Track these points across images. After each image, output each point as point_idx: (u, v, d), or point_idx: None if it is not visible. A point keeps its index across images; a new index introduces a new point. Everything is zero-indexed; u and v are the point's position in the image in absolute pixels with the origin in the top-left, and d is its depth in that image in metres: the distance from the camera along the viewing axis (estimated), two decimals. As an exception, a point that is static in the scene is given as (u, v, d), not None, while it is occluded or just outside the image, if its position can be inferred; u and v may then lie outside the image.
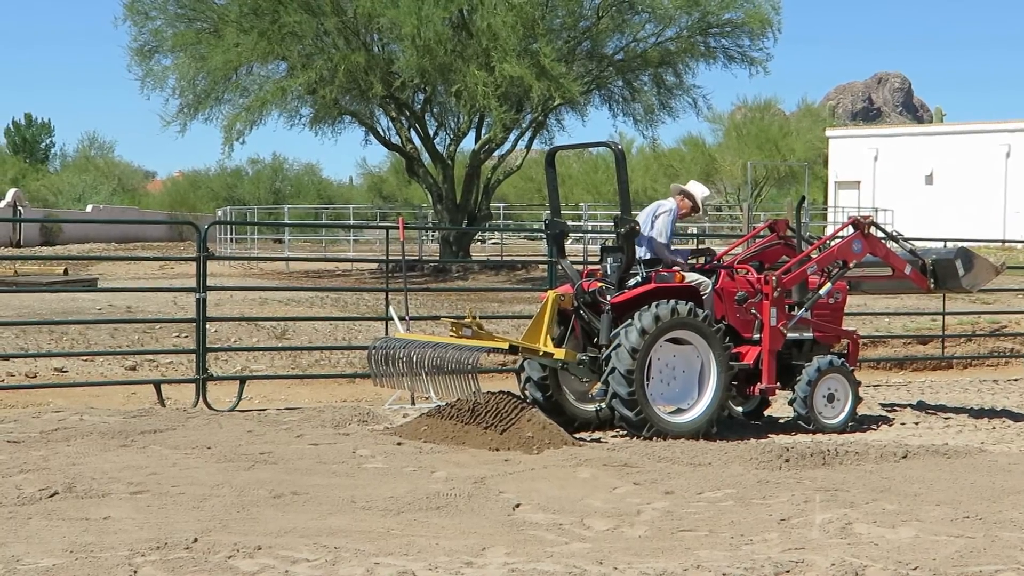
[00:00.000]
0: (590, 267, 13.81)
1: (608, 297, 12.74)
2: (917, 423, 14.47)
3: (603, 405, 12.93)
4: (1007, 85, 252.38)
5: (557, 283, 17.27)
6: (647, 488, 9.37)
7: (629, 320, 12.41)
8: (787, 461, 10.75)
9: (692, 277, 13.19)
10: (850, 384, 13.79)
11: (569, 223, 18.97)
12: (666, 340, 12.58)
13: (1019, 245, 41.57)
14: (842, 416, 13.70)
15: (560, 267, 13.64)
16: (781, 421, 14.27)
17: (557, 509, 8.62)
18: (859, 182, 57.36)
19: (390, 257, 18.65)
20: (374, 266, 35.78)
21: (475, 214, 37.86)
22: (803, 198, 16.84)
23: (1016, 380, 19.61)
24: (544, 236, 18.76)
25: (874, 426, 14.12)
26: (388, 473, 9.87)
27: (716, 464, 10.60)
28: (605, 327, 12.66)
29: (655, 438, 12.16)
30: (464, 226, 37.00)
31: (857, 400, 13.91)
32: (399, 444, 11.31)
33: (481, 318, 21.53)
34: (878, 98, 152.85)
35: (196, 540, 7.39)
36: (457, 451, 11.09)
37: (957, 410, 15.67)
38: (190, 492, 8.90)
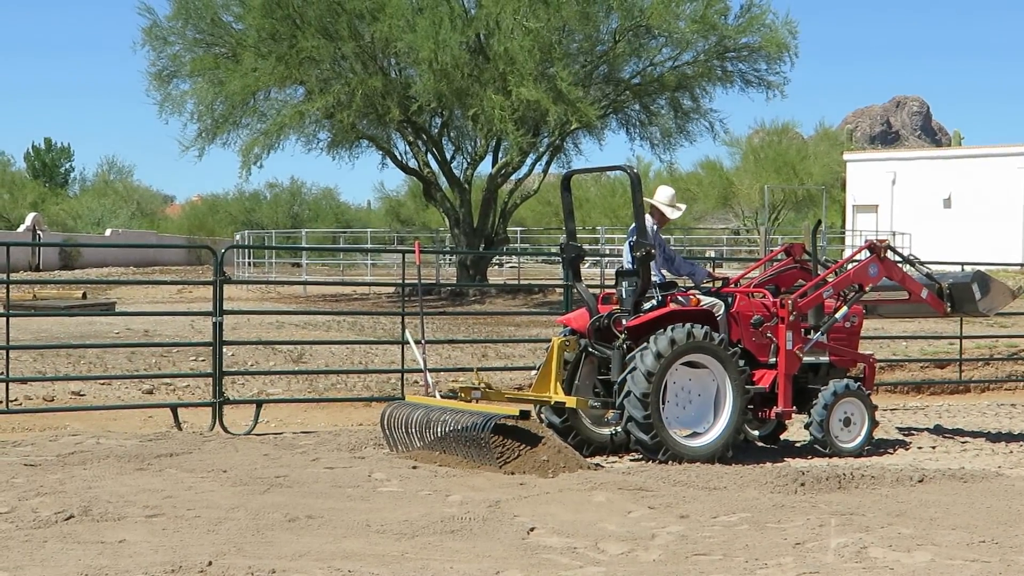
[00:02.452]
0: (606, 291, 13.81)
1: (624, 322, 12.77)
2: (934, 447, 14.43)
3: (618, 429, 12.96)
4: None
5: (573, 307, 17.30)
6: (662, 512, 9.35)
7: (645, 343, 12.42)
8: (802, 485, 10.72)
9: (707, 300, 13.24)
10: (866, 408, 13.74)
11: (586, 247, 18.99)
12: (682, 364, 12.59)
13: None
14: (858, 440, 13.65)
15: (576, 291, 13.65)
16: (797, 445, 14.24)
17: (571, 533, 8.60)
18: (877, 206, 57.28)
19: (407, 281, 18.66)
20: (391, 290, 35.83)
21: (492, 238, 37.91)
22: (819, 221, 16.82)
23: (1034, 404, 19.54)
24: (560, 260, 18.78)
25: (890, 450, 14.09)
26: (403, 497, 9.87)
27: (731, 488, 10.58)
28: (616, 362, 12.70)
29: (670, 462, 12.17)
30: (481, 250, 37.03)
31: (873, 424, 13.86)
32: (414, 468, 11.30)
33: (498, 342, 21.68)
34: (896, 121, 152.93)
35: (211, 563, 7.39)
36: (472, 474, 11.07)
37: (974, 434, 15.61)
38: (205, 515, 8.90)
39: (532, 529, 8.68)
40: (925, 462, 13.08)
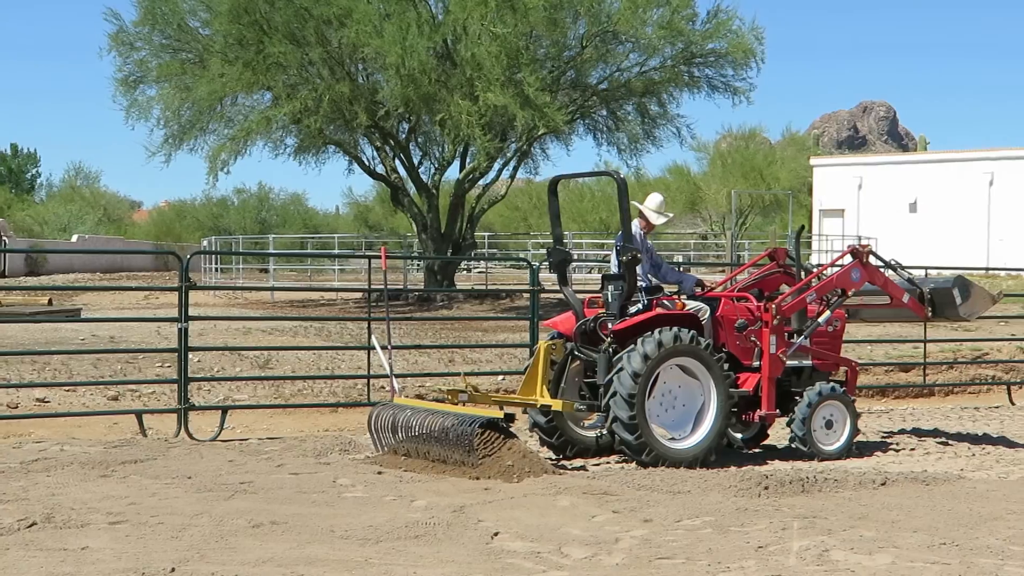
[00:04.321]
0: (591, 296, 13.90)
1: (609, 326, 12.92)
2: (897, 450, 14.52)
3: (604, 431, 13.13)
4: (991, 114, 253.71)
5: (541, 312, 17.34)
6: (626, 516, 9.39)
7: (631, 347, 12.55)
8: (766, 489, 10.77)
9: (692, 304, 13.39)
10: (849, 411, 13.87)
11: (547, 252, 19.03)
12: (667, 367, 12.73)
13: (1002, 273, 41.71)
14: (841, 443, 13.78)
15: (563, 294, 13.73)
16: (780, 448, 14.35)
17: (535, 537, 8.63)
18: (843, 210, 57.54)
19: (374, 286, 18.66)
20: (359, 295, 35.78)
21: (460, 243, 37.88)
22: (802, 227, 16.93)
23: (997, 407, 19.67)
24: (527, 265, 18.83)
25: (854, 453, 14.14)
26: (368, 502, 9.88)
27: (695, 492, 10.62)
28: (602, 365, 12.80)
29: (656, 464, 12.31)
30: (448, 255, 37.02)
31: (856, 427, 13.98)
32: (380, 473, 11.31)
33: (465, 347, 21.68)
34: (863, 126, 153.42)
35: (173, 570, 7.40)
36: (437, 480, 11.09)
37: (937, 437, 15.70)
38: (169, 522, 8.89)
39: (496, 534, 8.70)
40: (888, 465, 13.16)
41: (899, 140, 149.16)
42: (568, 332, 13.31)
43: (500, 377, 19.13)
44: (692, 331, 12.80)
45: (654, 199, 14.13)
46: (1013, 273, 33.96)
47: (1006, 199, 53.24)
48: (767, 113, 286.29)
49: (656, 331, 12.58)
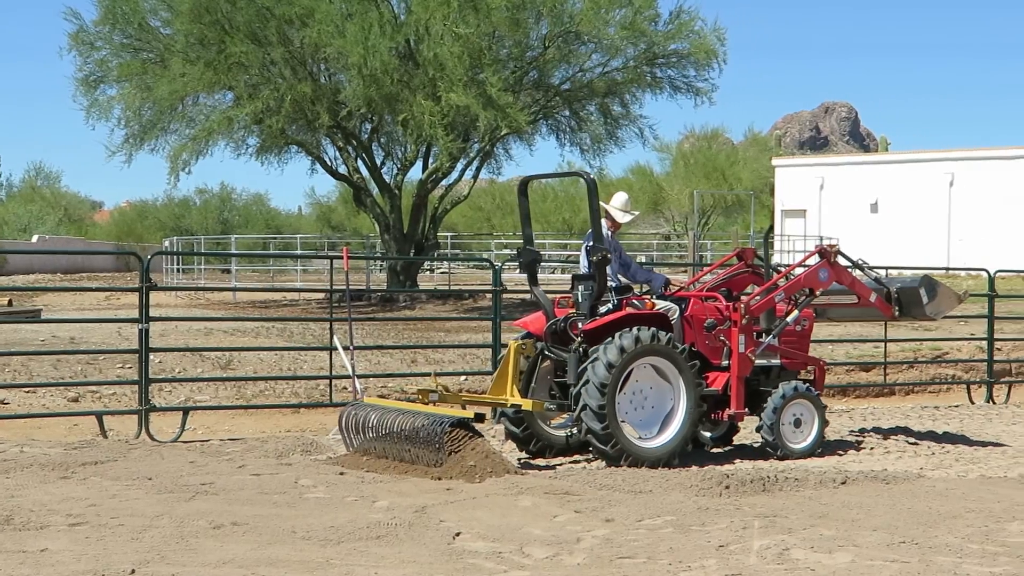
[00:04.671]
0: (561, 296, 13.93)
1: (580, 325, 12.98)
2: (858, 449, 14.57)
3: (574, 430, 13.18)
4: (951, 115, 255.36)
5: (504, 312, 17.35)
6: (587, 516, 9.40)
7: (601, 346, 12.60)
8: (727, 488, 10.80)
9: (662, 304, 13.45)
10: (817, 409, 13.96)
11: (517, 251, 19.06)
12: (637, 366, 12.77)
13: (962, 273, 41.94)
14: (809, 441, 13.87)
15: (534, 294, 13.75)
16: (750, 446, 14.44)
17: (497, 537, 8.63)
18: (805, 210, 57.78)
19: (336, 287, 18.62)
20: (321, 296, 35.70)
21: (423, 243, 37.85)
22: (771, 227, 17.04)
23: (957, 406, 19.78)
24: (490, 265, 18.83)
25: (829, 452, 14.18)
26: (329, 503, 9.85)
27: (657, 491, 10.64)
28: (573, 365, 12.83)
29: (620, 456, 12.40)
30: (411, 255, 36.99)
31: (824, 425, 14.08)
32: (342, 474, 11.29)
33: (427, 347, 21.68)
34: (825, 127, 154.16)
35: (134, 572, 7.36)
36: (399, 480, 11.08)
37: (898, 436, 15.78)
38: (129, 524, 8.85)
39: (458, 534, 8.70)
40: (848, 464, 13.22)
41: (861, 141, 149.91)
42: (538, 332, 13.35)
43: (463, 377, 19.13)
44: (661, 330, 12.85)
45: (619, 198, 14.18)
46: (973, 273, 34.14)
47: (966, 200, 53.58)
48: (729, 114, 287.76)
49: (626, 331, 12.63)
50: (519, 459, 13.50)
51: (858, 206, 56.28)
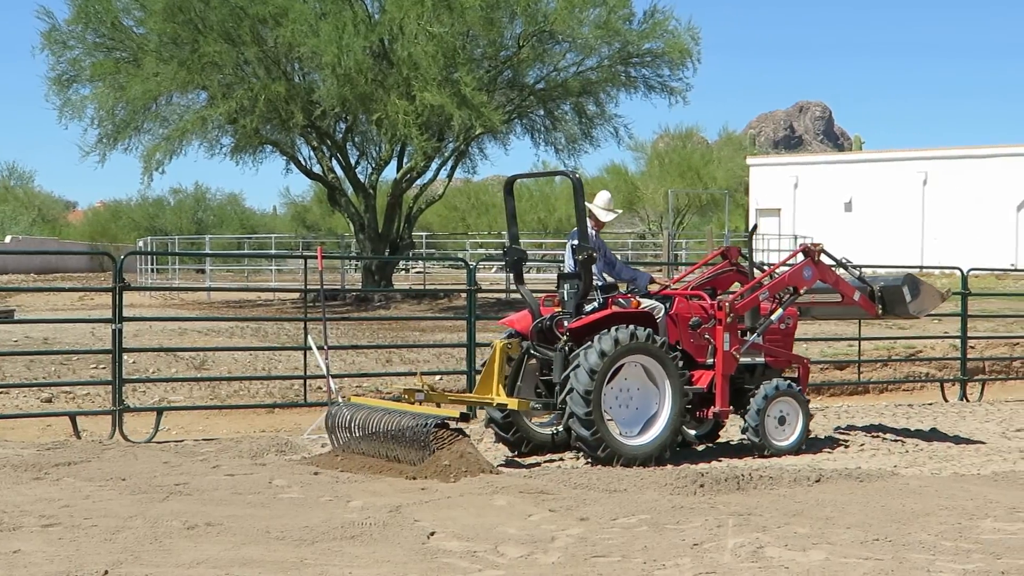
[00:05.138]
0: (547, 294, 13.98)
1: (566, 324, 13.04)
2: (832, 447, 14.61)
3: (559, 428, 13.26)
4: (925, 114, 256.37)
5: (479, 311, 17.34)
6: (562, 515, 9.40)
7: (587, 344, 12.64)
8: (701, 487, 10.82)
9: (647, 303, 13.52)
10: (801, 407, 14.04)
11: (492, 251, 19.05)
12: (623, 364, 12.82)
13: (936, 271, 42.11)
14: (793, 438, 13.97)
15: (520, 293, 13.79)
16: (734, 444, 14.52)
17: (472, 537, 8.62)
18: (780, 209, 57.94)
19: (310, 286, 18.58)
20: (296, 295, 35.63)
21: (397, 243, 37.81)
22: (755, 226, 17.07)
23: (931, 404, 19.84)
24: (465, 265, 18.83)
25: (803, 450, 14.22)
26: (304, 503, 9.84)
27: (631, 490, 10.65)
28: (558, 363, 12.88)
29: (611, 460, 12.45)
30: (386, 255, 36.93)
31: (808, 424, 14.17)
32: (316, 474, 11.27)
33: (402, 347, 21.65)
34: (799, 126, 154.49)
35: (107, 573, 7.34)
36: (374, 480, 11.07)
37: (871, 434, 15.82)
38: (103, 524, 8.82)
39: (432, 534, 8.70)
40: (822, 462, 13.25)
41: (835, 140, 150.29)
42: (524, 330, 13.41)
43: (438, 377, 19.11)
44: (646, 329, 12.90)
45: (602, 197, 14.25)
46: (947, 271, 34.27)
47: (940, 198, 53.79)
48: (704, 113, 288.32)
49: (613, 328, 12.67)
50: (505, 456, 13.62)
51: (832, 205, 56.46)
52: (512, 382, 13.30)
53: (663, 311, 13.54)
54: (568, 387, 12.53)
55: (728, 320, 13.67)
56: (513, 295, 34.86)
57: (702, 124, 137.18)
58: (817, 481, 11.20)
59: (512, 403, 12.90)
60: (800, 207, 57.37)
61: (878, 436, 15.68)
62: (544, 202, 72.82)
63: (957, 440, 15.54)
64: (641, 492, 10.56)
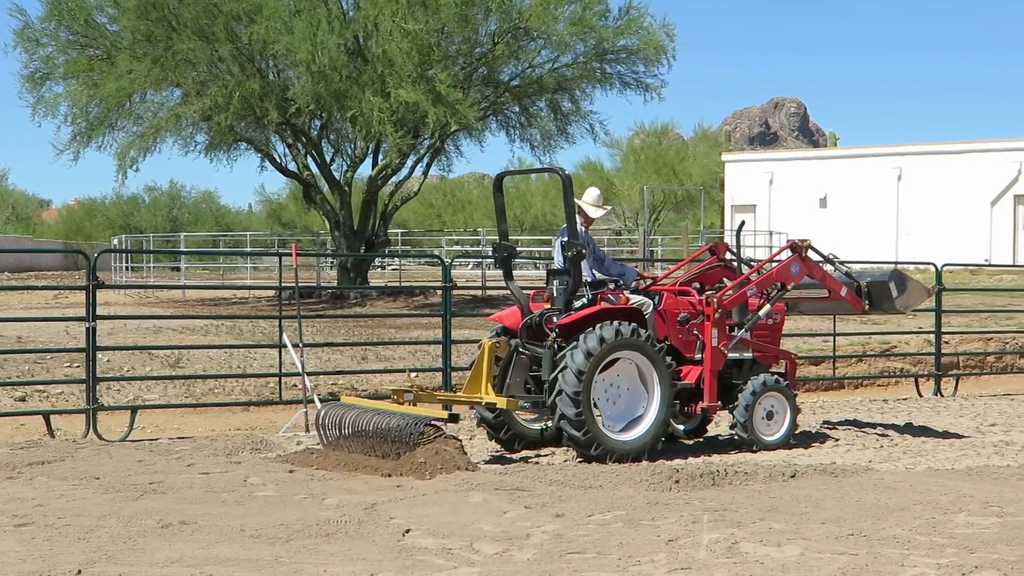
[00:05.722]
0: (536, 290, 14.02)
1: (555, 320, 13.08)
2: (807, 443, 14.62)
3: (549, 424, 13.37)
4: (899, 110, 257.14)
5: (454, 309, 17.33)
6: (538, 511, 9.40)
7: (574, 343, 12.68)
8: (677, 482, 10.82)
9: (636, 299, 13.55)
10: (789, 403, 14.11)
11: (468, 248, 19.06)
12: (612, 360, 12.88)
13: (911, 267, 42.24)
14: (781, 433, 14.06)
15: (509, 289, 13.82)
16: (723, 438, 14.57)
17: (447, 534, 8.61)
18: (755, 206, 58.02)
19: (285, 284, 18.54)
20: (271, 293, 35.57)
21: (373, 240, 37.77)
22: (743, 222, 17.10)
23: (905, 399, 19.90)
24: (440, 262, 18.82)
25: (790, 444, 14.25)
26: (279, 501, 9.81)
27: (607, 486, 10.65)
28: (548, 360, 12.91)
29: (604, 458, 12.49)
30: (361, 252, 36.89)
31: (795, 418, 14.25)
32: (291, 472, 11.24)
33: (377, 344, 21.63)
34: (774, 123, 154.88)
35: (80, 572, 7.31)
36: (349, 478, 11.05)
37: (847, 429, 15.85)
38: (76, 523, 8.78)
39: (408, 531, 8.68)
40: (797, 458, 13.27)
41: (810, 136, 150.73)
42: (513, 327, 13.43)
43: (413, 374, 19.07)
44: (635, 325, 12.95)
45: (591, 193, 14.30)
46: (921, 267, 34.36)
47: (914, 194, 53.93)
48: (679, 109, 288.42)
49: (599, 326, 12.69)
50: (493, 451, 13.69)
51: (807, 201, 56.57)
52: (501, 379, 13.33)
53: (651, 307, 13.58)
54: (557, 389, 12.55)
55: (716, 316, 13.73)
56: (489, 292, 35.02)
57: (677, 121, 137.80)
58: (792, 476, 11.22)
59: (501, 402, 12.90)
60: (775, 203, 57.45)
61: (853, 431, 15.70)
62: (520, 199, 72.83)
63: (931, 435, 15.58)
64: (616, 488, 10.56)
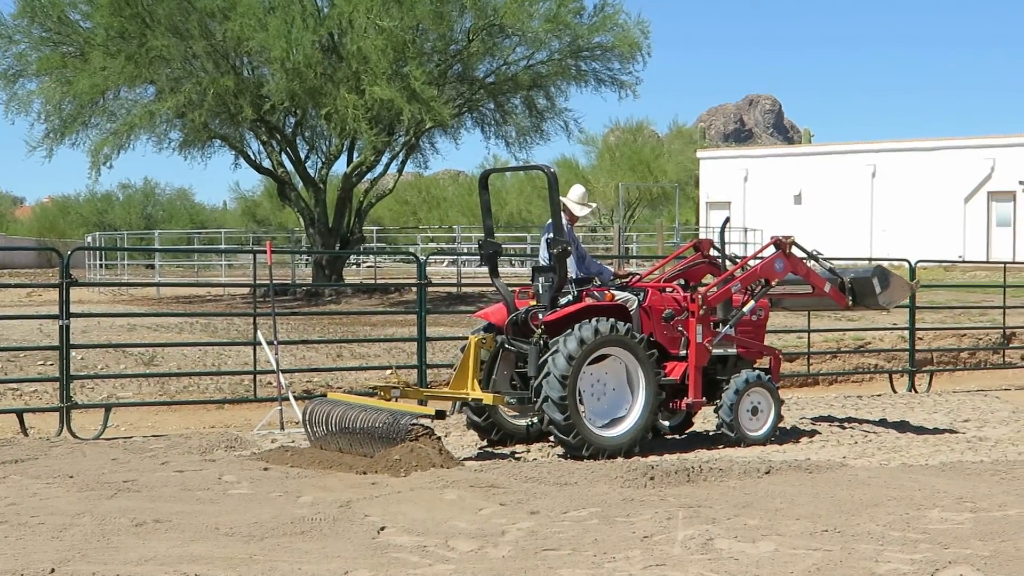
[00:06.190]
0: (521, 287, 14.05)
1: (541, 316, 13.12)
2: (782, 439, 14.65)
3: (535, 420, 13.36)
4: (873, 106, 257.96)
5: (429, 306, 17.32)
6: (513, 508, 9.40)
7: (568, 331, 12.73)
8: (652, 479, 10.83)
9: (621, 295, 13.61)
10: (773, 399, 14.18)
11: (443, 245, 19.07)
12: (597, 357, 12.92)
13: (885, 263, 42.32)
14: (766, 428, 14.12)
15: (495, 286, 13.84)
16: (707, 434, 14.61)
17: (422, 531, 8.61)
18: (730, 202, 58.11)
19: (260, 281, 18.51)
20: (246, 291, 35.49)
21: (348, 237, 37.72)
22: (727, 219, 17.14)
23: (879, 395, 19.97)
24: (415, 259, 18.80)
25: (778, 440, 14.29)
26: (253, 499, 9.79)
27: (582, 483, 10.66)
28: (533, 356, 12.96)
29: (582, 447, 12.55)
30: (336, 249, 36.84)
31: (779, 414, 14.33)
32: (266, 470, 11.23)
33: (352, 342, 21.60)
34: (749, 119, 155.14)
35: (53, 571, 7.28)
36: (324, 475, 11.04)
37: (821, 425, 15.89)
38: (50, 522, 8.75)
39: (383, 528, 8.67)
40: (772, 454, 13.30)
41: (784, 133, 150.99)
42: (499, 323, 13.49)
43: (388, 371, 19.02)
44: (620, 321, 13.01)
45: (576, 191, 14.30)
46: (896, 263, 34.48)
47: (888, 190, 54.08)
48: (654, 107, 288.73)
49: (586, 322, 12.75)
50: (480, 447, 13.72)
51: (782, 198, 56.69)
52: (487, 375, 13.40)
53: (636, 303, 13.62)
54: (545, 371, 12.60)
55: (701, 312, 13.79)
56: (464, 289, 35.01)
57: (652, 118, 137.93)
58: (767, 473, 11.24)
59: (487, 398, 13.00)
60: (750, 200, 57.56)
61: (827, 427, 15.74)
62: (495, 196, 72.59)
63: (905, 431, 15.63)
64: (591, 485, 10.57)
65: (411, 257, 29.40)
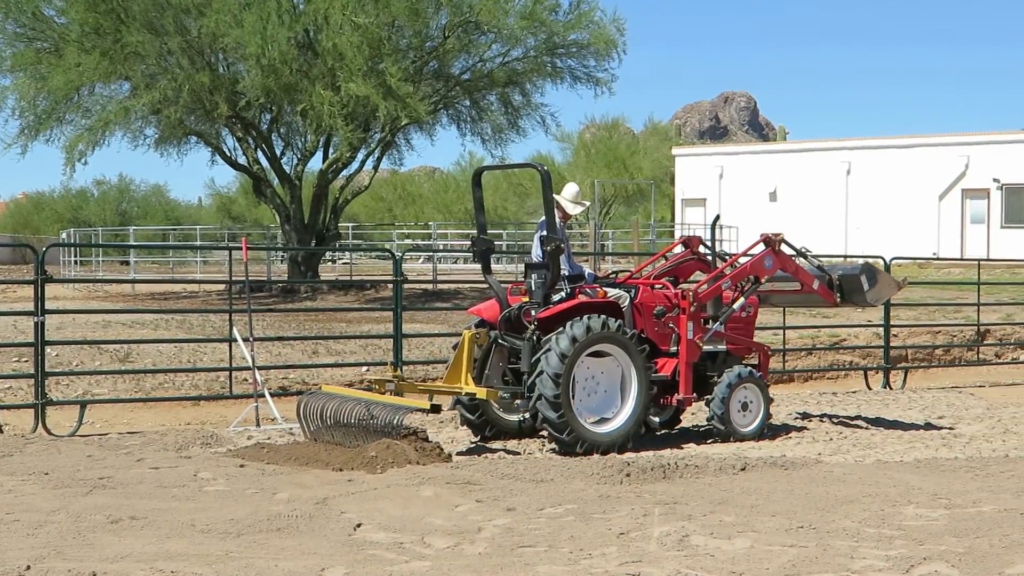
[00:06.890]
0: (513, 283, 14.12)
1: (533, 313, 13.19)
2: (758, 436, 14.68)
3: (527, 416, 13.46)
4: (848, 104, 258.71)
5: (405, 302, 17.31)
6: (489, 505, 9.41)
7: (560, 329, 12.80)
8: (628, 476, 10.84)
9: (613, 292, 13.72)
10: (762, 393, 14.31)
11: (419, 242, 19.06)
12: (589, 354, 12.98)
13: (860, 260, 42.41)
14: (756, 424, 14.26)
15: (487, 282, 13.88)
16: (701, 430, 14.67)
17: (398, 528, 8.61)
18: (705, 199, 58.18)
19: (235, 278, 18.47)
20: (221, 287, 35.42)
21: (323, 234, 37.68)
22: (717, 216, 17.24)
23: (854, 392, 20.02)
24: (391, 255, 18.80)
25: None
26: (229, 496, 9.78)
27: (558, 480, 10.66)
28: (526, 352, 13.03)
29: (575, 444, 12.66)
30: (312, 246, 36.80)
31: (768, 409, 14.49)
32: (242, 466, 11.21)
33: (328, 338, 21.58)
34: (725, 117, 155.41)
35: (29, 568, 7.25)
36: (300, 472, 11.03)
37: (797, 422, 15.93)
38: (25, 519, 8.72)
39: (359, 525, 8.67)
40: (748, 450, 13.33)
41: (759, 130, 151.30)
42: (492, 319, 13.56)
43: (364, 368, 19.06)
44: (613, 318, 13.10)
45: (570, 189, 14.39)
46: (870, 260, 34.63)
47: (863, 188, 54.21)
48: (630, 104, 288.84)
49: (579, 319, 12.82)
50: (472, 442, 13.79)
51: (757, 195, 56.78)
52: (480, 371, 13.44)
53: (628, 300, 13.72)
54: (538, 369, 12.67)
55: (692, 309, 13.88)
56: (440, 285, 35.04)
57: (628, 115, 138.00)
58: (742, 469, 11.27)
59: (480, 392, 13.05)
60: (725, 197, 57.61)
61: (803, 424, 15.79)
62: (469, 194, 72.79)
63: (880, 427, 15.69)
64: (568, 482, 10.58)
65: (387, 254, 29.38)
